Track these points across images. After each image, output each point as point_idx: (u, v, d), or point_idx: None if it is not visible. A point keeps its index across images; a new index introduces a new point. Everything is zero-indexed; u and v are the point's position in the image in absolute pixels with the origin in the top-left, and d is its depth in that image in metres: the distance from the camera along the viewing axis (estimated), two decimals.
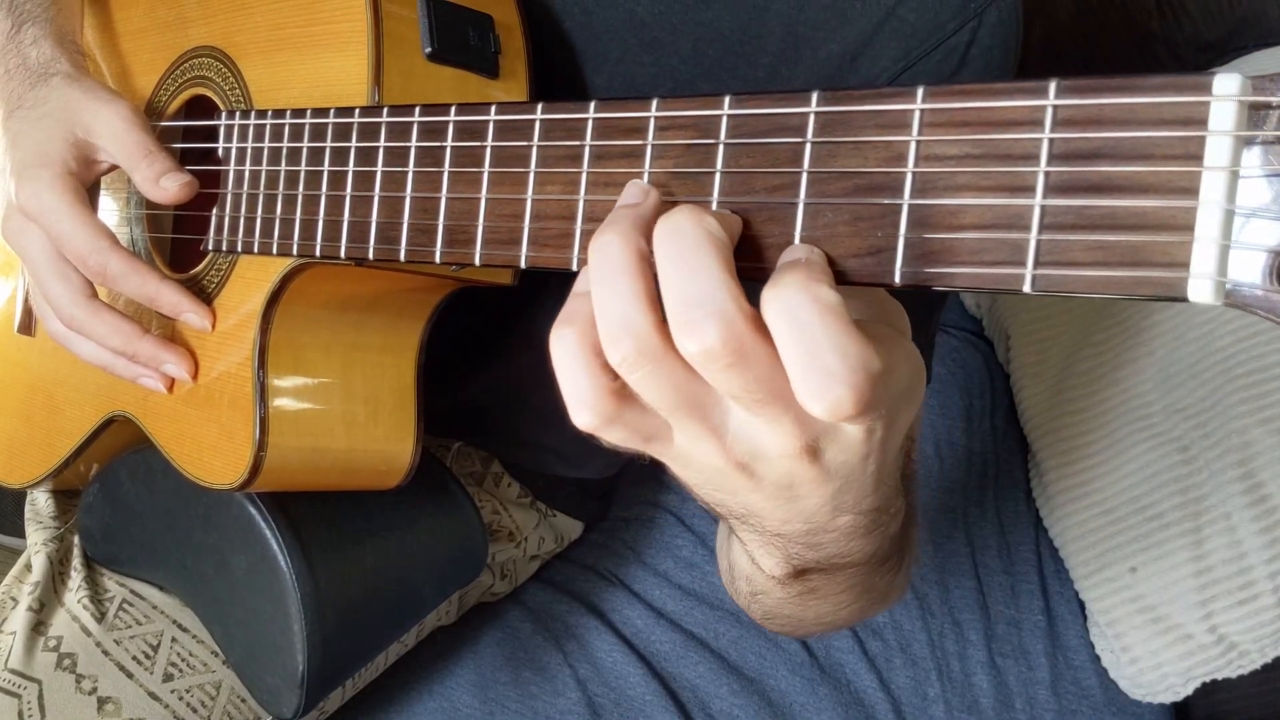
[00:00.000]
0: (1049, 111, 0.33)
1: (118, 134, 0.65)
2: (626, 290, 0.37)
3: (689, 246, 0.36)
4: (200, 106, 0.71)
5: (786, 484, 0.41)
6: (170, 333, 0.70)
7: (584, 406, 0.39)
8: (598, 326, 0.38)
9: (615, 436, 0.40)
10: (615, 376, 0.38)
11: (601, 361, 0.38)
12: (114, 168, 0.68)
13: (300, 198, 0.57)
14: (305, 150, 0.56)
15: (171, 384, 0.69)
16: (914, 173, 0.36)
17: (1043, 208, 0.33)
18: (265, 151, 0.60)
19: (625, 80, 0.72)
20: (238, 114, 0.63)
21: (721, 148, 0.40)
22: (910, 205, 0.36)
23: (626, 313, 0.37)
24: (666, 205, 0.40)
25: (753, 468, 0.40)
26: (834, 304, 0.35)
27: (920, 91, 0.36)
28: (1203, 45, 1.17)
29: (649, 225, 0.38)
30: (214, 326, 0.67)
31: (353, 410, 0.68)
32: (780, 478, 0.41)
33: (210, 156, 0.65)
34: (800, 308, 0.35)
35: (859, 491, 0.42)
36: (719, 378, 0.37)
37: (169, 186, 0.64)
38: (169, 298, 0.66)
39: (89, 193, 0.68)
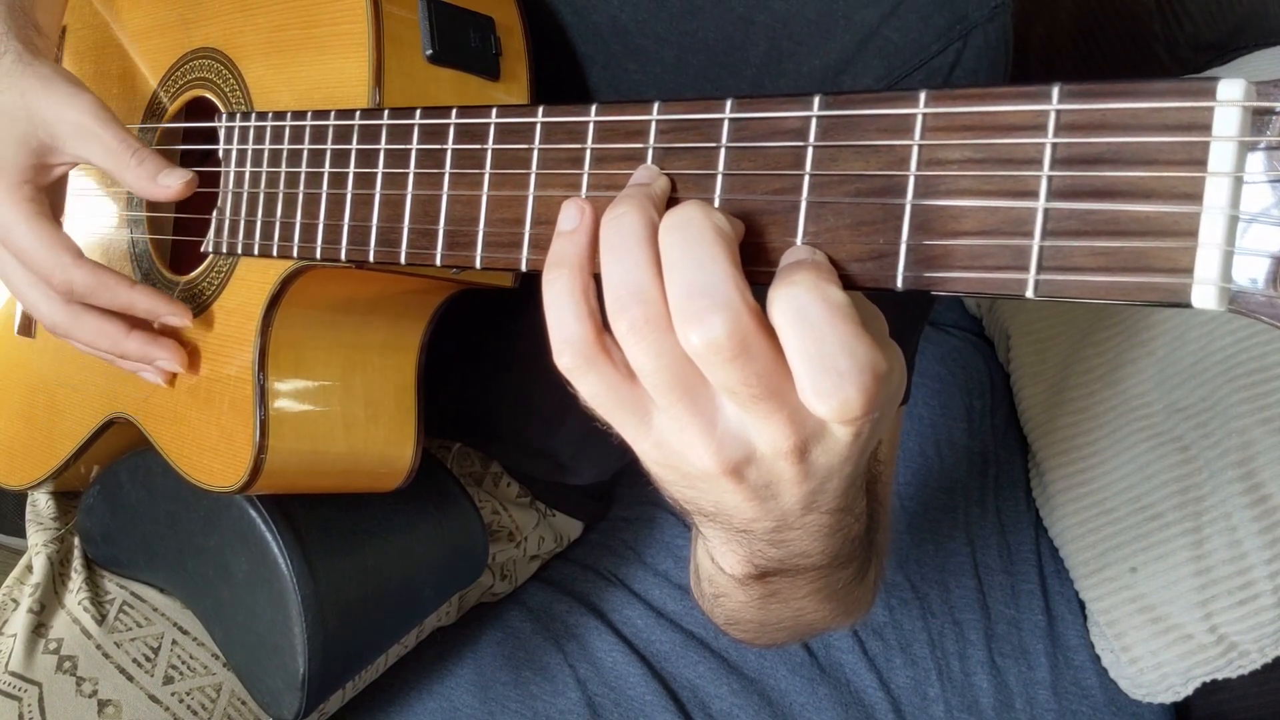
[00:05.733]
0: (1052, 116, 0.33)
1: (95, 135, 0.62)
2: (640, 258, 0.38)
3: (696, 236, 0.37)
4: (201, 108, 0.71)
5: (767, 483, 0.41)
6: (167, 329, 0.70)
7: (567, 346, 0.39)
8: (606, 296, 0.38)
9: (590, 386, 0.40)
10: (601, 328, 0.39)
11: (590, 306, 0.39)
12: (73, 165, 0.66)
13: (300, 200, 0.56)
14: (306, 152, 0.56)
15: (172, 379, 0.69)
16: (916, 176, 0.36)
17: (1046, 212, 0.33)
18: (265, 153, 0.59)
19: (610, 86, 0.71)
20: (238, 115, 0.62)
21: (723, 151, 0.40)
22: (912, 209, 0.36)
23: (639, 281, 0.37)
24: (670, 205, 0.40)
25: (739, 465, 0.40)
26: (843, 305, 0.35)
27: (923, 95, 0.35)
28: (1203, 46, 1.16)
29: (659, 205, 0.39)
30: (193, 323, 0.66)
31: (353, 412, 0.67)
32: (764, 476, 0.41)
33: (211, 158, 0.65)
34: (810, 307, 0.35)
35: (831, 492, 0.43)
36: (718, 371, 0.37)
37: (171, 184, 0.61)
38: (143, 304, 0.65)
39: (55, 189, 0.65)
